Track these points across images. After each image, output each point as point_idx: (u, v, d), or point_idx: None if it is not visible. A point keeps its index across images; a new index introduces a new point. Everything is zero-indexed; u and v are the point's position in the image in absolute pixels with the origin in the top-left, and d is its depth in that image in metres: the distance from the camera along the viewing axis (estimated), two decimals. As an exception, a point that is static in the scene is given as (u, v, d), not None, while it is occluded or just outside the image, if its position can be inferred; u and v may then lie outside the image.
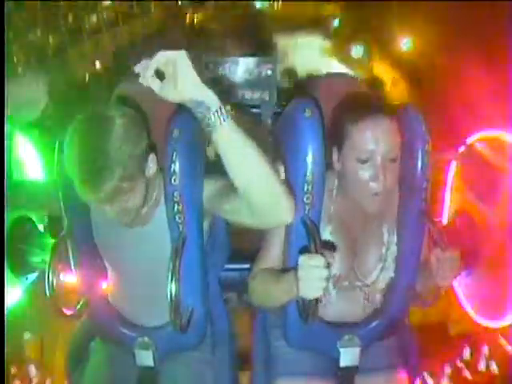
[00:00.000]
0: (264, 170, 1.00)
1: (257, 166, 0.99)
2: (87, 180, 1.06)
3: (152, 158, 1.18)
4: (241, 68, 2.38)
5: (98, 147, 1.05)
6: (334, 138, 1.24)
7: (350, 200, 1.28)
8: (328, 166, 1.24)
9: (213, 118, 0.95)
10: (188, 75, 0.94)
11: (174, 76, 0.94)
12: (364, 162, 1.19)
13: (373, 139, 1.17)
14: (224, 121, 0.95)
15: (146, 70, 0.94)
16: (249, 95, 2.75)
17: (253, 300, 1.35)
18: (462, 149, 1.83)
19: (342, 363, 1.36)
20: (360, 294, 1.34)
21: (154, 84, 0.95)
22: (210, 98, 0.95)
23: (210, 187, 1.23)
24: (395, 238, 1.32)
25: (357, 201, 1.24)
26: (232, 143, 0.97)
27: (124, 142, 1.07)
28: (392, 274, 1.33)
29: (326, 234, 1.29)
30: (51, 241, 1.65)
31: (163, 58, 0.93)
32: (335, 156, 1.25)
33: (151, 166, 1.18)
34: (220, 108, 0.95)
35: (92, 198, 1.09)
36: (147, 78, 0.94)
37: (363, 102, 1.25)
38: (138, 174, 1.13)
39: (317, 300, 1.08)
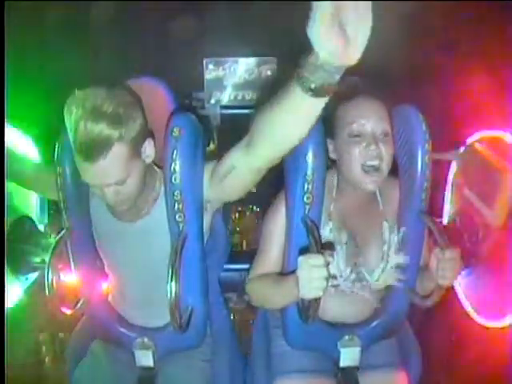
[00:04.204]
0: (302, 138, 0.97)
1: (303, 136, 0.95)
2: (86, 145, 1.05)
3: (149, 142, 1.18)
4: (241, 68, 2.39)
5: (99, 109, 1.04)
6: (326, 128, 1.25)
7: (350, 197, 1.28)
8: (327, 166, 1.24)
9: (334, 87, 0.82)
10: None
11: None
12: (355, 136, 1.21)
13: (361, 114, 1.21)
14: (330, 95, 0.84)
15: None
16: (249, 95, 2.75)
17: (252, 302, 1.36)
18: (462, 149, 1.83)
19: (343, 363, 1.36)
20: (362, 294, 1.34)
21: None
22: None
23: (209, 167, 1.23)
24: (396, 238, 1.32)
25: (355, 181, 1.23)
26: (315, 113, 0.89)
27: (122, 106, 1.07)
28: (395, 274, 1.32)
29: (326, 231, 1.29)
30: (51, 240, 1.65)
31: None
32: (331, 147, 1.27)
33: (148, 150, 1.18)
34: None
35: (90, 169, 1.08)
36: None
37: (350, 86, 1.25)
38: (133, 150, 1.12)
39: (317, 300, 1.08)
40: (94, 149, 1.05)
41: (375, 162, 1.20)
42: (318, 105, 0.86)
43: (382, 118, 1.22)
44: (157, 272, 1.25)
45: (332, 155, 1.28)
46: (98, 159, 1.07)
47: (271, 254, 1.31)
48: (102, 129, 1.04)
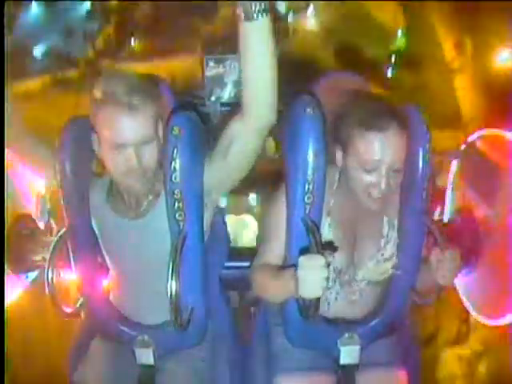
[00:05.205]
0: (273, 71, 1.05)
1: (271, 66, 1.05)
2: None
3: (161, 125, 1.23)
4: (241, 66, 2.39)
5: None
6: (338, 138, 1.23)
7: (350, 194, 1.28)
8: (329, 160, 1.23)
9: (261, 6, 0.96)
10: None
11: None
12: (369, 171, 1.18)
13: (379, 150, 1.16)
14: (266, 15, 0.98)
15: None
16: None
17: (254, 291, 1.36)
18: (463, 147, 1.82)
19: (342, 361, 1.36)
20: (359, 289, 1.34)
21: None
22: None
23: (208, 154, 1.25)
24: (395, 233, 1.32)
25: (358, 199, 1.24)
26: (263, 37, 1.01)
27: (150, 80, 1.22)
28: (390, 268, 1.33)
29: (325, 226, 1.29)
30: (51, 239, 1.65)
31: None
32: (339, 155, 1.24)
33: (160, 131, 1.22)
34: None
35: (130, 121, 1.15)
36: None
37: (373, 108, 1.20)
38: (157, 116, 1.20)
39: (317, 299, 1.08)
40: (130, 108, 1.14)
41: (380, 195, 1.19)
42: (258, 30, 0.98)
43: (398, 154, 1.18)
44: (157, 270, 1.25)
45: (338, 164, 1.26)
46: (131, 116, 1.14)
47: (274, 246, 1.31)
48: (136, 96, 1.14)
